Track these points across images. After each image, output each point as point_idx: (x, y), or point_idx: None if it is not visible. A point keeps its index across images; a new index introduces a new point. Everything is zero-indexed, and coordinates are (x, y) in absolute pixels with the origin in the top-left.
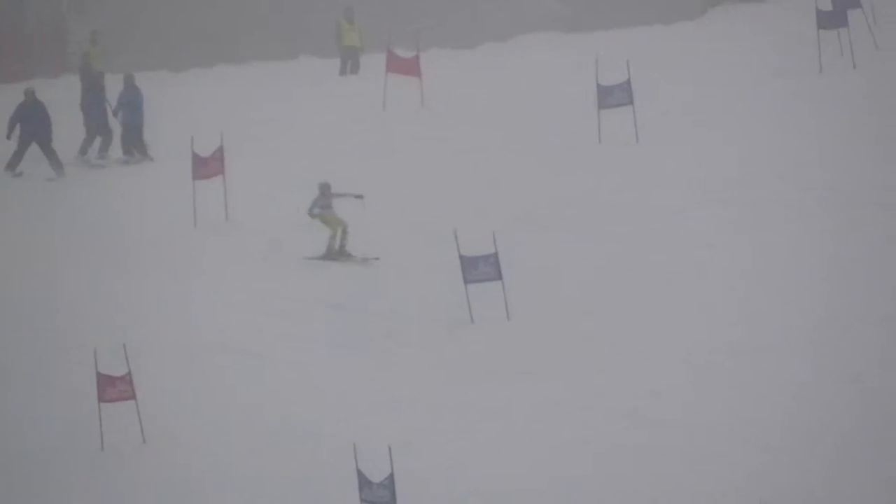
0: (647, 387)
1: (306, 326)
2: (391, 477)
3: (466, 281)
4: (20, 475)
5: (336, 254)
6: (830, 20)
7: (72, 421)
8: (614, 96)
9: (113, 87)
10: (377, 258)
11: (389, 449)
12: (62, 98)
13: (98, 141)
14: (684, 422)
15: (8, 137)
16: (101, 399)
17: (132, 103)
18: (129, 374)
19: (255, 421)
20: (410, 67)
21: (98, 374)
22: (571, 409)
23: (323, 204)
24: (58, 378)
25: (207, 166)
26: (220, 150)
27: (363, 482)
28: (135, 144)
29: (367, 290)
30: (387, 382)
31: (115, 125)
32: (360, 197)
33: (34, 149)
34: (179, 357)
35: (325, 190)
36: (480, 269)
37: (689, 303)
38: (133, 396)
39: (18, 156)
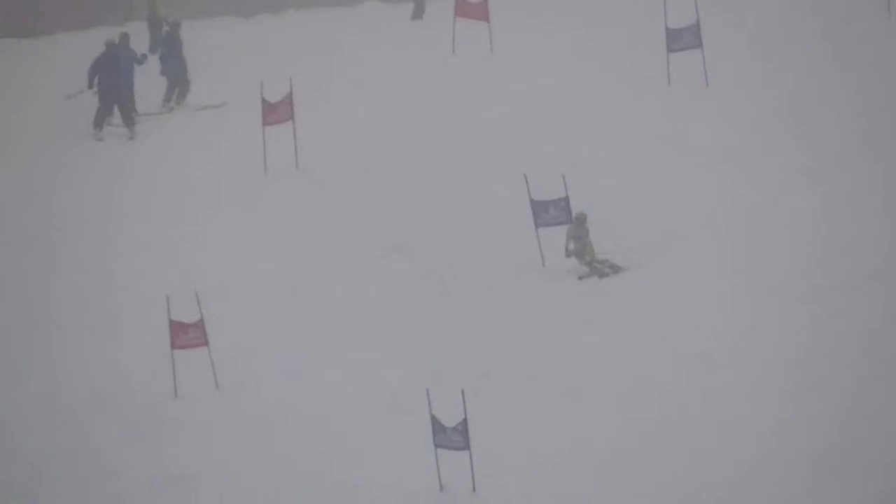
0: (714, 331)
1: (375, 271)
2: (465, 422)
3: (537, 225)
4: (94, 423)
5: (602, 270)
6: None
7: (145, 368)
8: (683, 39)
9: (190, 35)
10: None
11: (462, 393)
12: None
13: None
14: (751, 365)
15: (89, 87)
16: (173, 346)
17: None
18: (202, 320)
19: (325, 365)
20: (479, 12)
21: (170, 320)
22: (640, 352)
23: (577, 235)
24: (130, 325)
25: (276, 112)
26: (290, 95)
27: (437, 427)
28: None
29: (437, 235)
30: (457, 327)
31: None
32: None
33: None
34: (251, 303)
35: (581, 220)
36: (551, 212)
37: (758, 246)
38: (206, 343)
39: (102, 112)
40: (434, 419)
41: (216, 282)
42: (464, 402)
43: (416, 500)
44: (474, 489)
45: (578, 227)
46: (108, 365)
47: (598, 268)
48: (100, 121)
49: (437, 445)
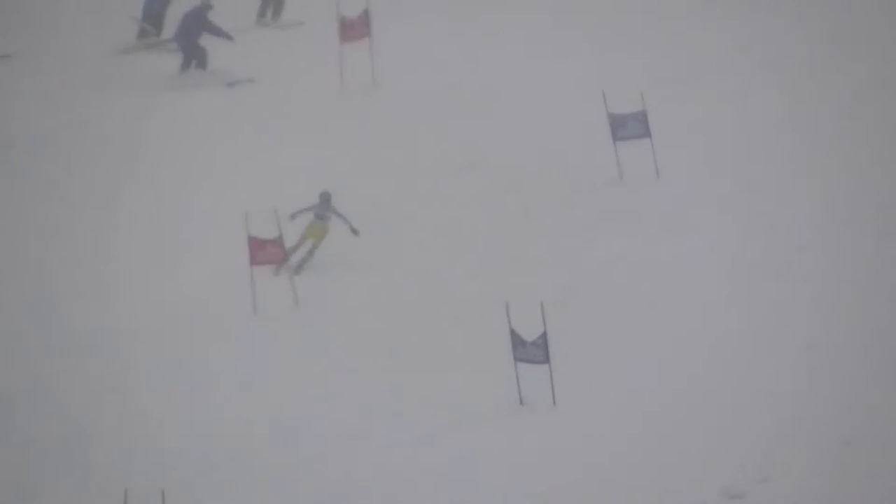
0: (795, 243)
1: (453, 186)
2: (544, 335)
3: (615, 139)
4: (174, 338)
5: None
6: None
7: (225, 284)
8: None
9: None
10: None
11: (542, 307)
12: None
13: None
14: (830, 276)
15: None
16: (252, 262)
17: None
18: (280, 236)
19: (402, 278)
20: None
21: (249, 237)
22: (720, 264)
23: (320, 213)
24: (210, 243)
25: (353, 29)
26: (366, 13)
27: (516, 341)
28: None
29: (515, 150)
30: (537, 240)
31: None
32: (355, 232)
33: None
34: None
35: (325, 200)
36: (629, 126)
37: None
38: (285, 259)
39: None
40: (513, 332)
41: (294, 198)
42: (543, 315)
43: (496, 413)
44: (555, 403)
45: (324, 205)
46: (188, 283)
47: (307, 257)
48: (186, 66)
49: (516, 359)
